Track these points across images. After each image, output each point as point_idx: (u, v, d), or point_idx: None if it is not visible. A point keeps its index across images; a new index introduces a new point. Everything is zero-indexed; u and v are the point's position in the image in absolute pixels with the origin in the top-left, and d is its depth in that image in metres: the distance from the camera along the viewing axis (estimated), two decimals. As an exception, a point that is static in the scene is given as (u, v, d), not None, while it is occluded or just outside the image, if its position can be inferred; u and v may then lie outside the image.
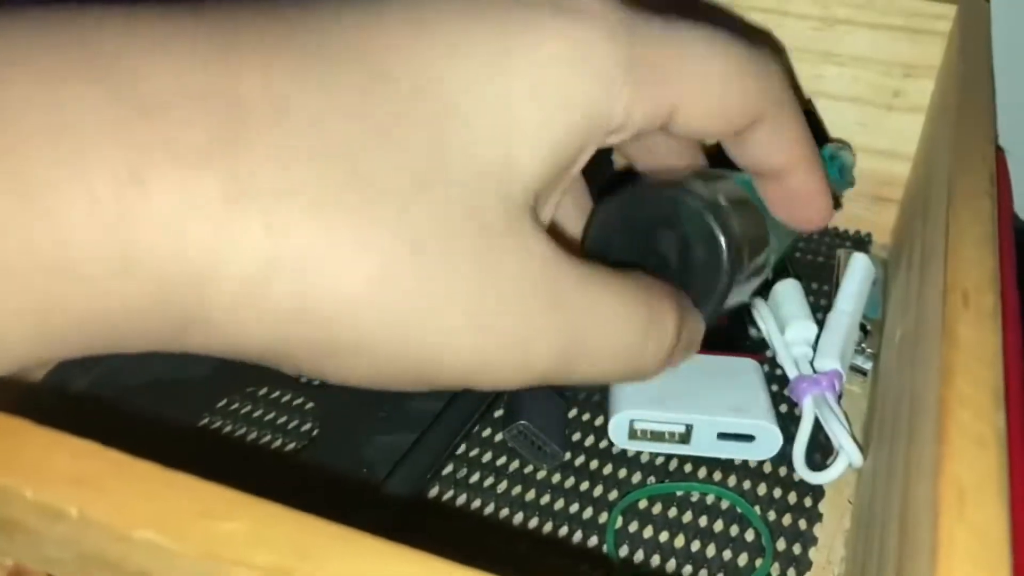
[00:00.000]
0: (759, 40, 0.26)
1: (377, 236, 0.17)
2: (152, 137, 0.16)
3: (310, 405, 0.30)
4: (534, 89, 0.19)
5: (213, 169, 0.16)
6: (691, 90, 0.21)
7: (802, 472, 0.29)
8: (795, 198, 0.26)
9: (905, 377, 0.24)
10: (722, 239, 0.24)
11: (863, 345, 0.32)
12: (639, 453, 0.30)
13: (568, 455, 0.29)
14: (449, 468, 0.29)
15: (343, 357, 0.18)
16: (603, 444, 0.30)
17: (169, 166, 0.16)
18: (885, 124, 0.37)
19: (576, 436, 0.30)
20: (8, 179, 0.15)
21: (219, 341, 0.18)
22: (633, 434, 0.29)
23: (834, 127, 0.38)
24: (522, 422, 0.28)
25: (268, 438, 0.29)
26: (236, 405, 0.30)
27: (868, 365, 0.32)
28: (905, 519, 0.18)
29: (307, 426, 0.29)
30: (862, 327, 0.33)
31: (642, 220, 0.25)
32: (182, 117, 0.16)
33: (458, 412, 0.28)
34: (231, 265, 0.16)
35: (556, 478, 0.29)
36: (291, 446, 0.29)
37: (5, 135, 0.15)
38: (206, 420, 0.29)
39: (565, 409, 0.31)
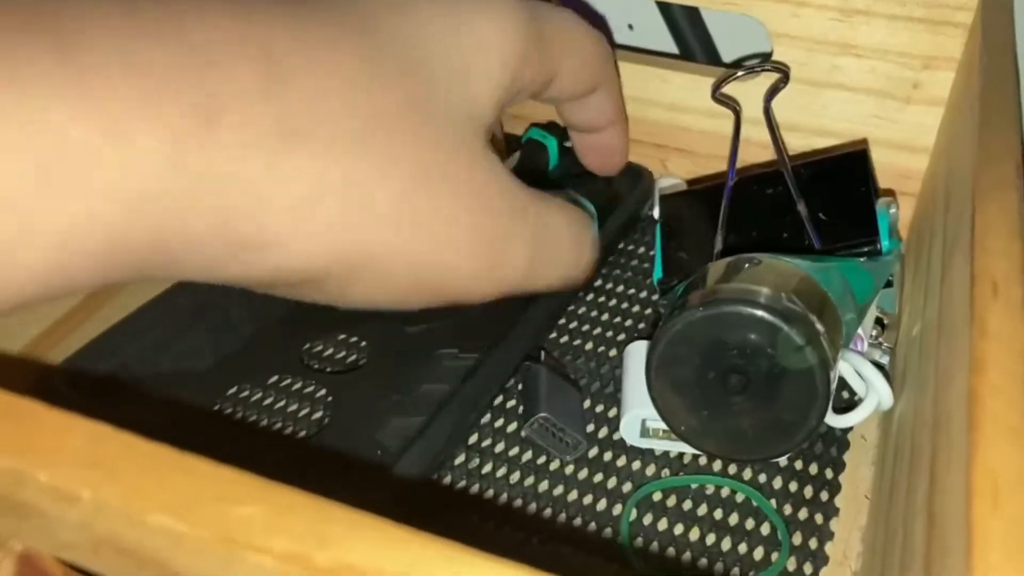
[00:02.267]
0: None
1: (393, 168, 0.21)
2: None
3: (321, 392, 0.29)
4: (481, 50, 0.24)
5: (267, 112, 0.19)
6: (567, 63, 0.27)
7: (830, 419, 0.28)
8: (606, 148, 0.33)
9: (928, 370, 0.24)
10: (820, 391, 0.25)
11: (880, 339, 0.32)
12: (653, 445, 0.29)
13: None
14: (462, 458, 0.29)
15: (366, 282, 0.21)
16: (617, 436, 0.29)
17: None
18: (903, 117, 0.37)
19: (590, 428, 0.30)
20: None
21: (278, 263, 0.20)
22: (645, 432, 0.29)
23: (851, 120, 0.38)
24: (542, 415, 0.28)
25: (276, 420, 0.29)
26: (246, 392, 0.30)
27: (885, 359, 0.32)
28: (933, 513, 0.18)
29: (319, 414, 0.29)
30: (879, 321, 0.32)
31: (729, 338, 0.25)
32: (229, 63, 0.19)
33: (472, 391, 0.28)
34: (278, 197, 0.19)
35: (570, 469, 0.28)
36: (299, 427, 0.29)
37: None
38: (215, 408, 0.29)
39: (581, 399, 0.30)
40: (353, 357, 0.31)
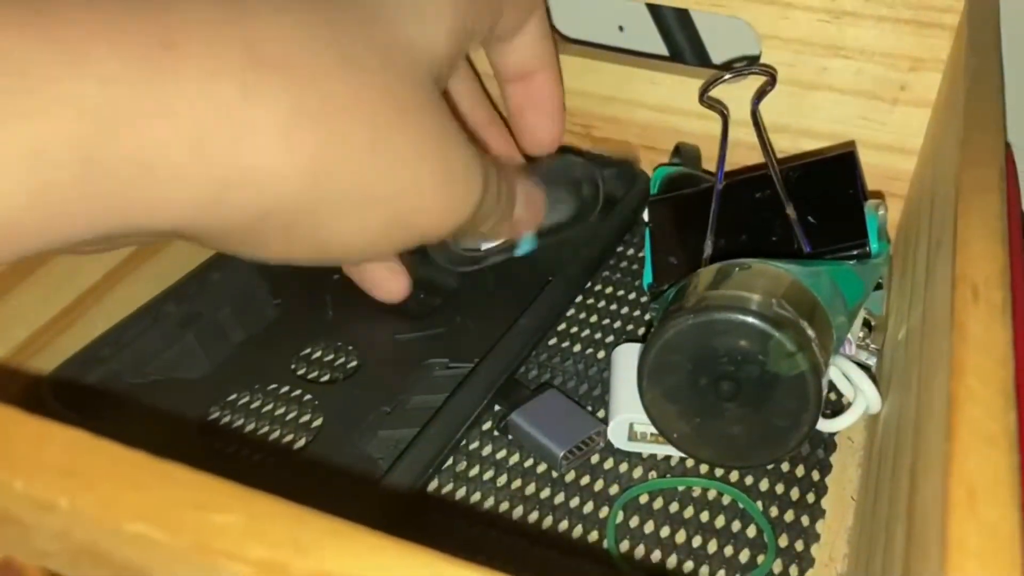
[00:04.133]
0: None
1: (365, 100, 0.21)
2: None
3: (309, 399, 0.29)
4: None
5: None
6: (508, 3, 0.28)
7: (819, 423, 0.29)
8: (540, 98, 0.32)
9: (912, 373, 0.24)
10: (812, 397, 0.25)
11: (867, 341, 0.32)
12: (640, 448, 0.29)
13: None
14: (449, 461, 0.29)
15: (318, 222, 0.22)
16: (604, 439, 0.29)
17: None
18: (890, 118, 0.37)
19: (577, 430, 0.30)
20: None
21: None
22: (633, 436, 0.29)
23: (839, 121, 0.38)
24: (560, 454, 0.28)
25: (266, 429, 0.29)
26: (234, 396, 0.30)
27: (872, 361, 0.32)
28: (912, 518, 0.18)
29: (307, 423, 0.29)
30: (866, 323, 0.32)
31: (720, 345, 0.25)
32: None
33: (460, 405, 0.28)
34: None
35: (556, 472, 0.28)
36: (289, 437, 0.28)
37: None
38: (209, 415, 0.29)
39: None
40: (342, 361, 0.31)
